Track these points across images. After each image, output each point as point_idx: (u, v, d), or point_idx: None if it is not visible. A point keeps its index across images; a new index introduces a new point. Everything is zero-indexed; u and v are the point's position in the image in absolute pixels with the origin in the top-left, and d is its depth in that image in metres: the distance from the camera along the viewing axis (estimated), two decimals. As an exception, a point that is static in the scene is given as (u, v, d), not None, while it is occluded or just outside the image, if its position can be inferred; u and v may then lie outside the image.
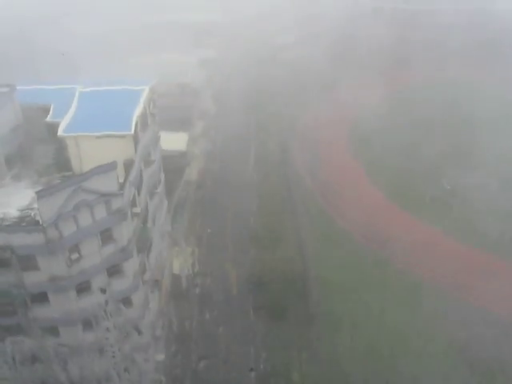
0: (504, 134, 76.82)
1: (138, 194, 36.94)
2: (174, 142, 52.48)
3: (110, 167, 31.62)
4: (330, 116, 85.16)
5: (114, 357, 35.73)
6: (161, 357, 41.78)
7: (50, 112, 37.33)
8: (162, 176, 46.05)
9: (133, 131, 34.66)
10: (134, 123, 34.90)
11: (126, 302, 35.83)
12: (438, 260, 54.76)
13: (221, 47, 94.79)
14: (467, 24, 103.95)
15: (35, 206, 30.91)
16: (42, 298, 32.15)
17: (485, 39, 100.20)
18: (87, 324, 34.06)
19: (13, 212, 31.86)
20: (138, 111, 36.46)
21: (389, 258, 55.02)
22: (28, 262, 30.56)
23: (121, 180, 33.61)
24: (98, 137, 34.37)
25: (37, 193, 29.11)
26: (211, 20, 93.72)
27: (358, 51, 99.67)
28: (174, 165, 50.75)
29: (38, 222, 30.21)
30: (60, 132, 34.66)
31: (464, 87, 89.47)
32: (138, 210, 36.25)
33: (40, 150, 37.53)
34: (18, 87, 37.88)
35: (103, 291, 33.85)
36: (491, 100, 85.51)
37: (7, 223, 30.93)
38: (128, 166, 35.13)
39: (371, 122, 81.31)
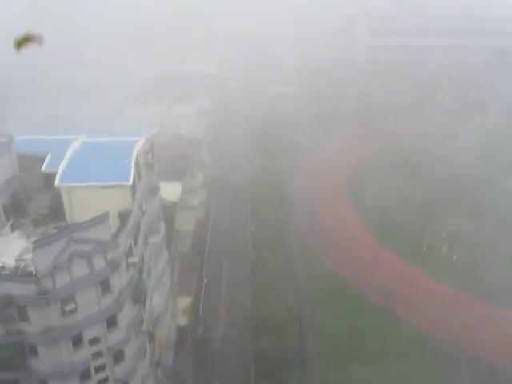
0: (496, 183, 77.72)
1: (135, 244, 36.65)
2: (168, 192, 52.45)
3: (104, 217, 31.57)
4: (326, 165, 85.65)
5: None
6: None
7: (46, 162, 37.36)
8: (162, 226, 45.83)
9: (131, 182, 34.67)
10: (132, 173, 34.96)
11: (119, 354, 35.04)
12: (437, 308, 54.20)
13: (218, 98, 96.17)
14: (460, 75, 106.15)
15: (27, 256, 30.72)
16: (35, 350, 31.47)
17: (476, 90, 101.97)
18: (81, 377, 33.25)
19: (10, 262, 31.50)
20: (135, 162, 36.54)
21: (387, 307, 54.38)
22: (21, 312, 30.14)
23: (114, 230, 33.44)
24: (95, 187, 34.33)
25: (33, 243, 28.89)
26: (209, 71, 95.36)
27: (353, 102, 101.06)
28: (166, 215, 50.68)
29: (31, 272, 29.83)
30: (57, 182, 34.57)
31: (457, 137, 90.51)
32: (134, 259, 35.86)
33: (36, 200, 37.34)
34: (15, 137, 37.96)
35: (98, 343, 33.21)
36: (486, 150, 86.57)
37: (6, 272, 30.59)
38: (123, 216, 35.03)
39: (367, 172, 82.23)
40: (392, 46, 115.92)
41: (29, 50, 16.80)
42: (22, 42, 17.04)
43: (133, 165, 35.93)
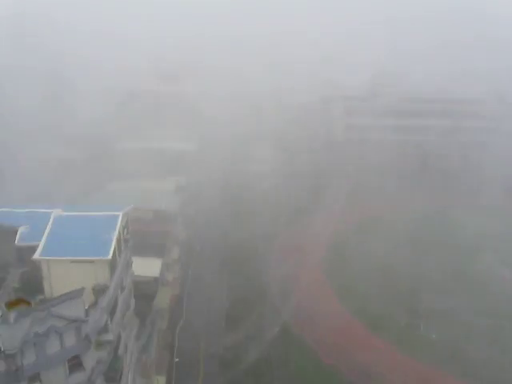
0: (475, 260, 78.70)
1: (111, 320, 35.83)
2: (146, 267, 52.01)
3: (78, 293, 31.11)
4: (304, 241, 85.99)
5: None
6: None
7: (18, 235, 37.05)
8: (132, 302, 45.05)
9: (110, 256, 34.44)
10: (112, 248, 34.78)
11: None
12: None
13: (196, 174, 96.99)
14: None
15: None
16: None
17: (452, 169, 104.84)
18: None
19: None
20: (115, 237, 36.43)
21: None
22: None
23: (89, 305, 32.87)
24: (73, 261, 33.99)
25: (0, 317, 28.11)
26: (185, 148, 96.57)
27: (331, 179, 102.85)
28: (145, 291, 50.00)
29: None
30: (36, 255, 34.20)
31: (438, 214, 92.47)
32: (110, 336, 34.96)
33: (11, 274, 36.65)
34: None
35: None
36: (464, 227, 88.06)
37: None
38: (98, 291, 34.48)
39: (346, 248, 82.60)
40: (368, 126, 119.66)
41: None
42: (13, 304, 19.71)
43: (115, 240, 35.81)
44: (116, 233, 36.64)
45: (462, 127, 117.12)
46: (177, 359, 57.85)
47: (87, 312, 32.41)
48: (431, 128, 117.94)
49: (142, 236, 50.61)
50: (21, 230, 37.42)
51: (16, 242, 36.89)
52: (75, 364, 31.94)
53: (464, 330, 61.70)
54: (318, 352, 59.55)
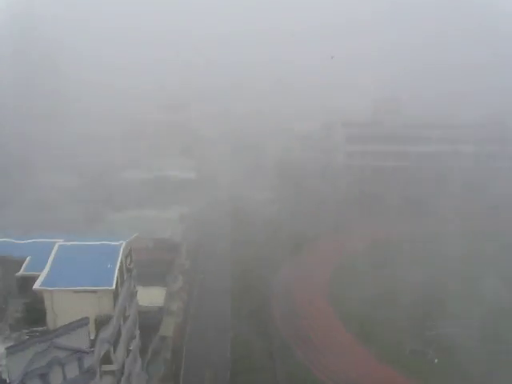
0: (477, 285, 78.15)
1: (114, 351, 35.58)
2: (151, 296, 51.89)
3: (82, 323, 30.98)
4: (307, 267, 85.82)
5: None
6: None
7: (24, 265, 37.08)
8: (137, 332, 44.79)
9: (114, 286, 34.40)
10: (115, 278, 34.76)
11: None
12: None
13: (198, 203, 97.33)
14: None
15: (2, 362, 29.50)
16: None
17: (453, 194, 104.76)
18: None
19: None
20: (117, 266, 36.43)
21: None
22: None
23: (92, 336, 32.66)
24: (76, 291, 33.94)
25: (6, 349, 27.92)
26: (187, 177, 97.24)
27: (332, 206, 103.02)
28: (149, 320, 49.77)
29: (5, 380, 28.61)
30: (36, 285, 34.16)
31: (437, 241, 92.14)
32: (113, 367, 34.70)
33: (13, 304, 36.57)
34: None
35: None
36: (463, 252, 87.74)
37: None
38: (100, 321, 34.38)
39: (347, 275, 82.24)
40: (368, 153, 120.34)
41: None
42: None
43: (117, 269, 35.80)
44: (119, 262, 36.63)
45: (462, 152, 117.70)
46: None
47: (92, 342, 32.26)
48: (432, 154, 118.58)
49: (145, 265, 50.60)
50: (27, 260, 37.49)
51: (20, 271, 36.91)
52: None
53: (469, 357, 60.95)
54: (323, 378, 58.82)
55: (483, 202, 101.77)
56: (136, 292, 44.85)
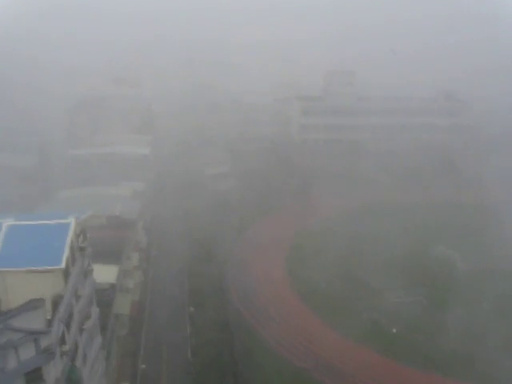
0: (428, 253, 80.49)
1: (68, 331, 35.06)
2: (104, 274, 51.21)
3: (36, 304, 30.35)
4: (264, 242, 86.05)
5: None
6: None
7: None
8: (95, 310, 44.24)
9: (63, 265, 33.70)
10: (65, 257, 34.03)
11: None
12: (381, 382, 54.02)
13: (152, 179, 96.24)
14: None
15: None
16: None
17: (404, 166, 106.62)
18: None
19: None
20: (67, 245, 35.68)
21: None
22: None
23: (48, 316, 32.06)
24: (26, 272, 33.12)
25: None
26: (141, 153, 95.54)
27: (287, 180, 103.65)
28: (102, 298, 49.24)
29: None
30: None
31: (388, 211, 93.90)
32: (66, 348, 34.22)
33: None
34: None
35: None
36: (415, 222, 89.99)
37: None
38: (56, 301, 33.74)
39: (305, 247, 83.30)
40: (321, 126, 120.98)
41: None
42: None
43: (67, 248, 35.05)
44: (69, 241, 35.89)
45: (412, 124, 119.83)
46: (143, 365, 57.13)
47: (49, 323, 31.71)
48: (383, 126, 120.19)
49: (99, 243, 49.84)
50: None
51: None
52: (35, 377, 31.11)
53: (424, 324, 62.79)
54: (284, 353, 59.52)
55: (435, 172, 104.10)
56: (91, 271, 44.15)
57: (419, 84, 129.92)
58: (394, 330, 62.67)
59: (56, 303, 33.73)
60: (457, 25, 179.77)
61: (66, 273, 34.85)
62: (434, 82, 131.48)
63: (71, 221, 38.11)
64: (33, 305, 30.35)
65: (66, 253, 34.66)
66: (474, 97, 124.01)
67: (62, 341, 34.02)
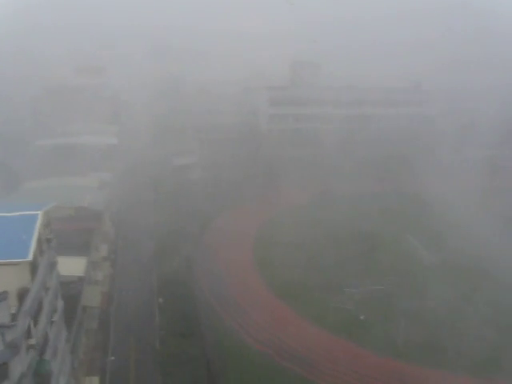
0: (396, 242, 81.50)
1: (35, 325, 34.42)
2: (72, 267, 50.46)
3: (1, 297, 29.66)
4: (231, 230, 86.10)
5: None
6: None
7: None
8: (61, 304, 43.58)
9: (31, 258, 33.01)
10: (32, 249, 33.33)
11: None
12: (351, 369, 54.59)
13: (120, 170, 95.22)
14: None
15: None
16: None
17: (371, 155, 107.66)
18: None
19: None
20: (35, 237, 34.96)
21: (306, 375, 53.97)
22: None
23: (14, 310, 31.43)
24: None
25: None
26: (108, 143, 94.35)
27: (254, 170, 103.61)
28: (70, 291, 48.58)
29: None
30: None
31: (357, 200, 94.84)
32: (33, 341, 33.58)
33: None
34: None
35: None
36: (388, 212, 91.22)
37: None
38: (22, 294, 33.07)
39: (272, 236, 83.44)
40: (289, 116, 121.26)
41: None
42: None
43: (34, 240, 34.34)
44: (36, 232, 35.17)
45: (379, 114, 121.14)
46: (112, 358, 56.59)
47: (14, 317, 31.08)
48: (349, 116, 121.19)
49: (66, 235, 49.11)
50: None
51: None
52: (3, 372, 30.49)
53: (391, 311, 63.67)
54: (253, 342, 59.63)
55: (400, 162, 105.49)
56: (56, 263, 43.43)
57: (387, 75, 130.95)
58: (362, 317, 63.38)
59: (22, 296, 33.08)
60: (426, 19, 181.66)
61: (33, 265, 34.20)
62: (402, 73, 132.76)
63: (38, 212, 37.37)
64: (-4, 298, 29.74)
65: (34, 245, 33.95)
66: (442, 88, 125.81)
67: (29, 334, 33.41)
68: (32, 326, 33.97)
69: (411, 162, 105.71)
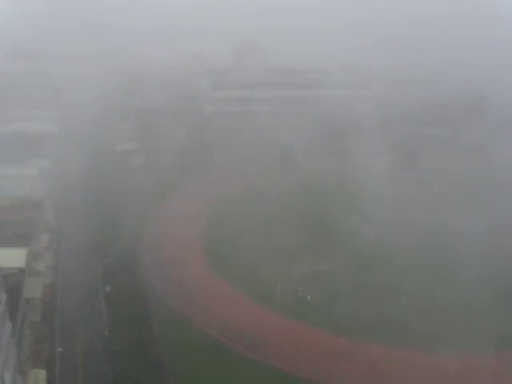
0: (341, 222, 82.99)
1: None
2: (11, 258, 48.96)
3: None
4: (176, 214, 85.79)
5: None
6: None
7: None
8: (4, 296, 42.24)
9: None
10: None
11: None
12: (297, 349, 55.47)
13: (61, 157, 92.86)
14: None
15: None
16: None
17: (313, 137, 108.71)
18: None
19: None
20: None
21: (254, 356, 54.48)
22: None
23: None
24: None
25: None
26: (48, 130, 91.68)
27: (197, 154, 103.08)
28: (11, 283, 47.17)
29: None
30: None
31: (301, 181, 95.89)
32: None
33: None
34: None
35: None
36: (331, 192, 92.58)
37: None
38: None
39: (220, 220, 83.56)
40: (232, 99, 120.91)
41: None
42: None
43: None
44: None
45: (322, 96, 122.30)
46: (59, 349, 55.54)
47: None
48: (292, 98, 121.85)
49: (4, 226, 47.65)
50: None
51: None
52: None
53: (337, 290, 64.91)
54: (202, 325, 59.67)
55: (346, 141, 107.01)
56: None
57: (330, 57, 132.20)
58: (309, 297, 64.32)
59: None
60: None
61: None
62: (345, 54, 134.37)
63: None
64: None
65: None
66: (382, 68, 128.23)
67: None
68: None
69: (353, 142, 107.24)
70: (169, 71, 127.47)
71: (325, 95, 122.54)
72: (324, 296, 64.42)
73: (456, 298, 62.16)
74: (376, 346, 56.04)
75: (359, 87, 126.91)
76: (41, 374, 49.97)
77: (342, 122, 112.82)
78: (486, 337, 53.25)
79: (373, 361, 54.23)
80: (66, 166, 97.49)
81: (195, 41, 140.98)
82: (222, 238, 76.74)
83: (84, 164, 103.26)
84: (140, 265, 71.21)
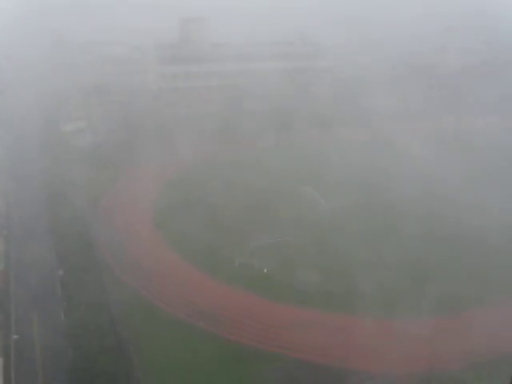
0: (294, 195, 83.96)
1: None
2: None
3: None
4: (130, 194, 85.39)
5: None
6: None
7: None
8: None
9: None
10: None
11: None
12: (257, 322, 56.44)
13: (5, 139, 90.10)
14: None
15: None
16: None
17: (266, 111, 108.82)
18: None
19: None
20: None
21: (214, 331, 55.03)
22: None
23: None
24: None
25: None
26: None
27: (147, 132, 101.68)
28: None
29: None
30: None
31: (255, 155, 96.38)
32: None
33: None
34: None
35: None
36: (280, 165, 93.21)
37: None
38: None
39: (171, 198, 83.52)
40: (179, 74, 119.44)
41: None
42: None
43: None
44: None
45: (270, 68, 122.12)
46: (15, 336, 54.51)
47: None
48: (240, 72, 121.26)
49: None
50: None
51: None
52: None
53: (293, 262, 66.02)
54: (157, 303, 59.78)
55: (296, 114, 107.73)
56: None
57: (277, 30, 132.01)
58: (265, 270, 65.17)
59: None
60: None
61: None
62: (292, 28, 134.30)
63: None
64: None
65: None
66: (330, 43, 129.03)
67: None
68: None
69: (303, 115, 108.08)
70: (116, 47, 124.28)
71: (270, 67, 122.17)
72: (280, 268, 65.38)
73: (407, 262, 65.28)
74: (330, 315, 57.55)
75: (308, 58, 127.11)
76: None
77: (292, 93, 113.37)
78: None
79: (333, 330, 55.65)
80: (10, 148, 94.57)
81: (142, 17, 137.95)
82: (176, 216, 76.43)
83: (29, 145, 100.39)
84: (94, 246, 70.21)
